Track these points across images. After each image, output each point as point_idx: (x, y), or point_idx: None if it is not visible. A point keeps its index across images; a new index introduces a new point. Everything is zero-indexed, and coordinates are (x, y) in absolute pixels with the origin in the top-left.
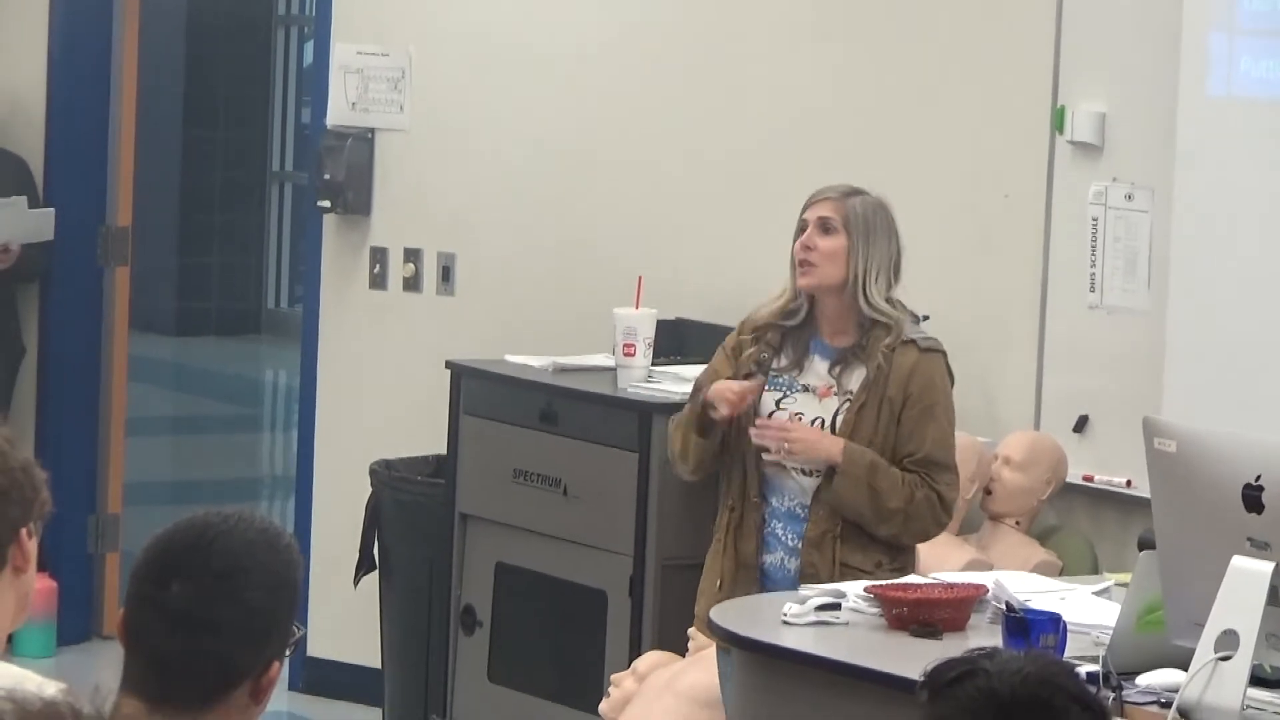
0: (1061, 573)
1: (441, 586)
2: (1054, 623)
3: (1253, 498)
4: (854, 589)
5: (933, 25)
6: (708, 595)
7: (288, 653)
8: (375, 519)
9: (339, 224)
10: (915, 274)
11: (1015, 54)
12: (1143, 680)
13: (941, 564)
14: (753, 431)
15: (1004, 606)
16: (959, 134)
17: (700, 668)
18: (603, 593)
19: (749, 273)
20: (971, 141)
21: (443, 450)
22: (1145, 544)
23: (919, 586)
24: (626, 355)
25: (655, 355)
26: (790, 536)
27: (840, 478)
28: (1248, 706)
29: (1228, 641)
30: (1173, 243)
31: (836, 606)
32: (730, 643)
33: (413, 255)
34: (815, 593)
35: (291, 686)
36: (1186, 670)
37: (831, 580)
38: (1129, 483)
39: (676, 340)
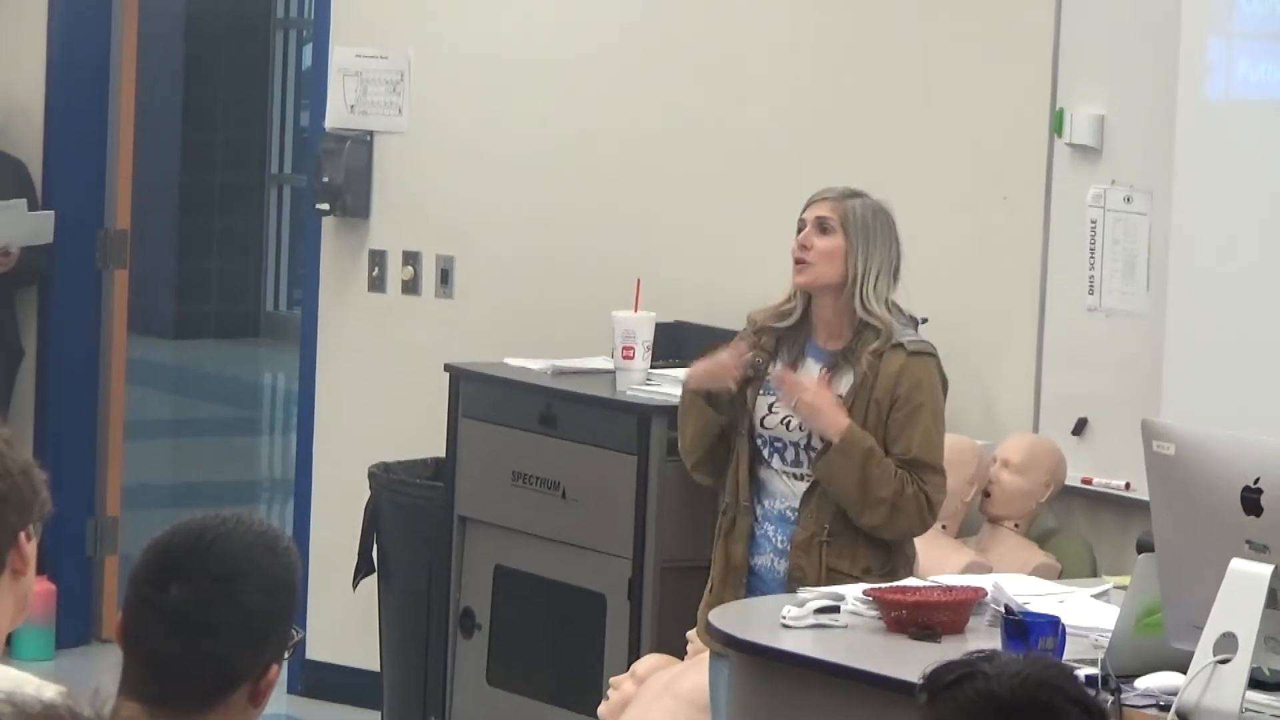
0: (1060, 575)
1: (440, 589)
2: (1053, 625)
3: (1252, 500)
4: (853, 591)
5: (932, 28)
6: (706, 600)
7: (286, 655)
8: (374, 522)
9: (338, 227)
10: (914, 276)
11: (1014, 56)
12: (1141, 683)
13: (940, 566)
14: (773, 372)
15: (1003, 609)
16: (958, 136)
17: (699, 670)
18: (601, 595)
19: (748, 275)
20: (970, 144)
21: (442, 453)
22: (1144, 546)
23: (918, 589)
24: (625, 358)
25: (654, 358)
26: (780, 539)
27: (835, 453)
28: (1246, 709)
29: (1226, 644)
30: (1171, 245)
31: (835, 609)
32: (729, 645)
33: (411, 258)
34: (814, 595)
35: (290, 689)
36: (1185, 673)
37: (819, 585)
38: (1128, 485)
39: (675, 343)
